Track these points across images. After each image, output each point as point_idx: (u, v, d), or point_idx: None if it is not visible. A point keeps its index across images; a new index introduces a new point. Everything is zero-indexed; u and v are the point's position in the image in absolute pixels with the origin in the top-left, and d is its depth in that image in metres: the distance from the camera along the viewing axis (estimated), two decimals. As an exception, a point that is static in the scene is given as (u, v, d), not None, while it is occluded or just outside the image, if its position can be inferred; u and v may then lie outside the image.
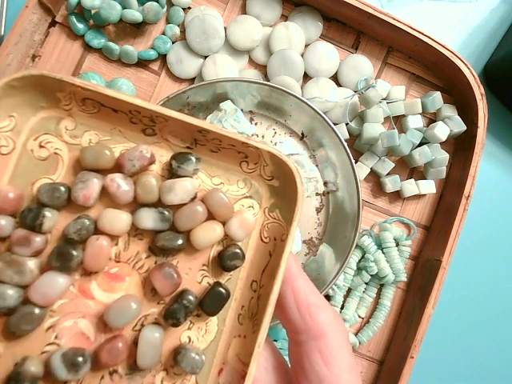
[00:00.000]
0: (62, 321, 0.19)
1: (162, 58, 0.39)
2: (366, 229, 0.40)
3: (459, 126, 0.39)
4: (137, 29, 0.39)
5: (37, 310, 0.18)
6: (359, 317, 0.39)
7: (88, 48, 0.38)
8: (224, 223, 0.20)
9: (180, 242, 0.20)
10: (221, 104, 0.36)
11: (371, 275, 0.39)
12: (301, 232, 0.38)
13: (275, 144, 0.38)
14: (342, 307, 0.39)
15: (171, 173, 0.20)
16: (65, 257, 0.19)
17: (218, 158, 0.21)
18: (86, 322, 0.19)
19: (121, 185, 0.19)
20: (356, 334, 0.39)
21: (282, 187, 0.21)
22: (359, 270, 0.39)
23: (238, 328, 0.20)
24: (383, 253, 0.39)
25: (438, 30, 0.43)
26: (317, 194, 0.38)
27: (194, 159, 0.20)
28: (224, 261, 0.20)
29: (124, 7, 0.37)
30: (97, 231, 0.19)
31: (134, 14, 0.36)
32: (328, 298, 0.39)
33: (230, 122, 0.36)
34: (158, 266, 0.20)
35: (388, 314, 0.40)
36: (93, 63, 0.38)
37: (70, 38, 0.38)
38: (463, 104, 0.40)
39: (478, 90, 0.37)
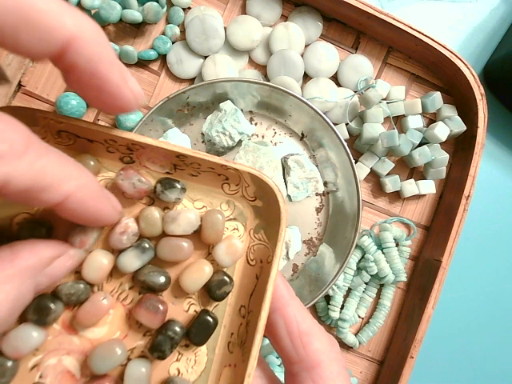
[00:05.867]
0: (46, 359, 0.19)
1: (162, 58, 0.39)
2: (365, 229, 0.40)
3: (459, 126, 0.39)
4: (137, 29, 0.39)
5: (9, 363, 0.17)
6: (359, 317, 0.39)
7: (88, 48, 0.38)
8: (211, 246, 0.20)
9: (163, 280, 0.19)
10: (221, 104, 0.36)
11: (371, 275, 0.39)
12: (301, 232, 0.38)
13: (275, 144, 0.38)
14: (342, 307, 0.39)
15: (152, 198, 0.20)
16: (43, 311, 0.17)
17: (198, 182, 0.20)
18: (71, 359, 0.19)
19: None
20: (356, 334, 0.39)
21: (265, 207, 0.20)
22: (359, 270, 0.39)
23: (228, 357, 0.19)
24: (383, 253, 0.39)
25: (437, 30, 0.43)
26: (317, 194, 0.38)
27: (179, 187, 0.19)
28: (213, 292, 0.19)
29: (124, 7, 0.37)
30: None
31: (134, 14, 0.36)
32: (328, 297, 0.39)
33: (230, 122, 0.36)
34: (138, 302, 0.19)
35: (388, 314, 0.40)
36: (93, 63, 0.38)
37: (70, 38, 0.38)
38: (463, 104, 0.40)
39: (478, 90, 0.37)
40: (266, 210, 0.20)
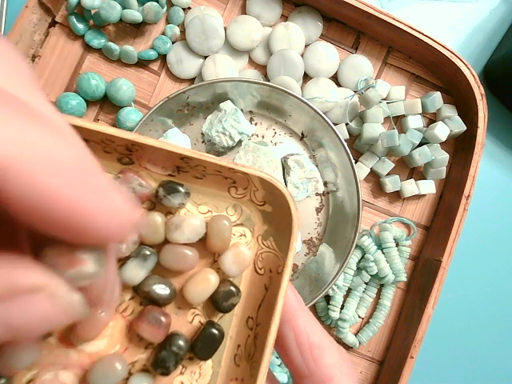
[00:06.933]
0: (42, 374, 0.17)
1: (162, 58, 0.39)
2: (365, 229, 0.40)
3: (459, 126, 0.39)
4: (137, 29, 0.39)
5: (2, 381, 0.16)
6: (359, 317, 0.39)
7: (88, 48, 0.38)
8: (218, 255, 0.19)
9: (168, 293, 0.18)
10: (221, 104, 0.36)
11: (371, 275, 0.39)
12: (301, 232, 0.38)
13: (275, 144, 0.38)
14: (342, 307, 0.39)
15: (153, 202, 0.19)
16: None
17: (203, 185, 0.19)
18: (69, 374, 0.17)
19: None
20: (356, 334, 0.39)
21: (275, 213, 0.19)
22: (359, 270, 0.39)
23: (234, 370, 0.19)
24: (383, 253, 0.39)
25: (437, 30, 0.43)
26: (317, 194, 0.38)
27: (183, 192, 0.18)
28: (219, 304, 0.18)
29: (124, 7, 0.37)
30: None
31: (134, 14, 0.36)
32: (328, 297, 0.39)
33: (230, 122, 0.36)
34: (139, 315, 0.18)
35: (388, 314, 0.40)
36: (93, 63, 0.38)
37: (70, 38, 0.38)
38: (463, 104, 0.40)
39: (478, 90, 0.37)
40: (276, 216, 0.19)
